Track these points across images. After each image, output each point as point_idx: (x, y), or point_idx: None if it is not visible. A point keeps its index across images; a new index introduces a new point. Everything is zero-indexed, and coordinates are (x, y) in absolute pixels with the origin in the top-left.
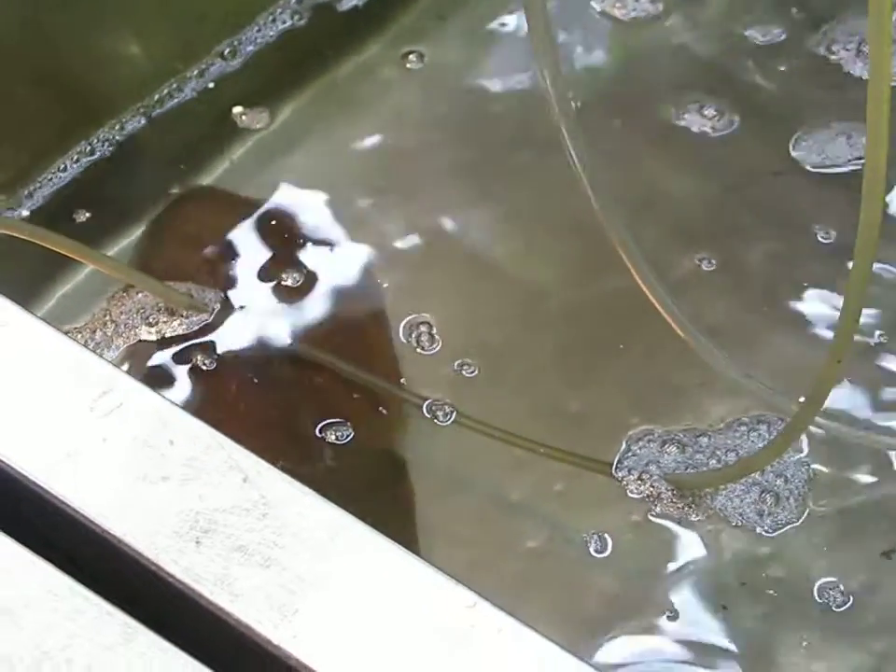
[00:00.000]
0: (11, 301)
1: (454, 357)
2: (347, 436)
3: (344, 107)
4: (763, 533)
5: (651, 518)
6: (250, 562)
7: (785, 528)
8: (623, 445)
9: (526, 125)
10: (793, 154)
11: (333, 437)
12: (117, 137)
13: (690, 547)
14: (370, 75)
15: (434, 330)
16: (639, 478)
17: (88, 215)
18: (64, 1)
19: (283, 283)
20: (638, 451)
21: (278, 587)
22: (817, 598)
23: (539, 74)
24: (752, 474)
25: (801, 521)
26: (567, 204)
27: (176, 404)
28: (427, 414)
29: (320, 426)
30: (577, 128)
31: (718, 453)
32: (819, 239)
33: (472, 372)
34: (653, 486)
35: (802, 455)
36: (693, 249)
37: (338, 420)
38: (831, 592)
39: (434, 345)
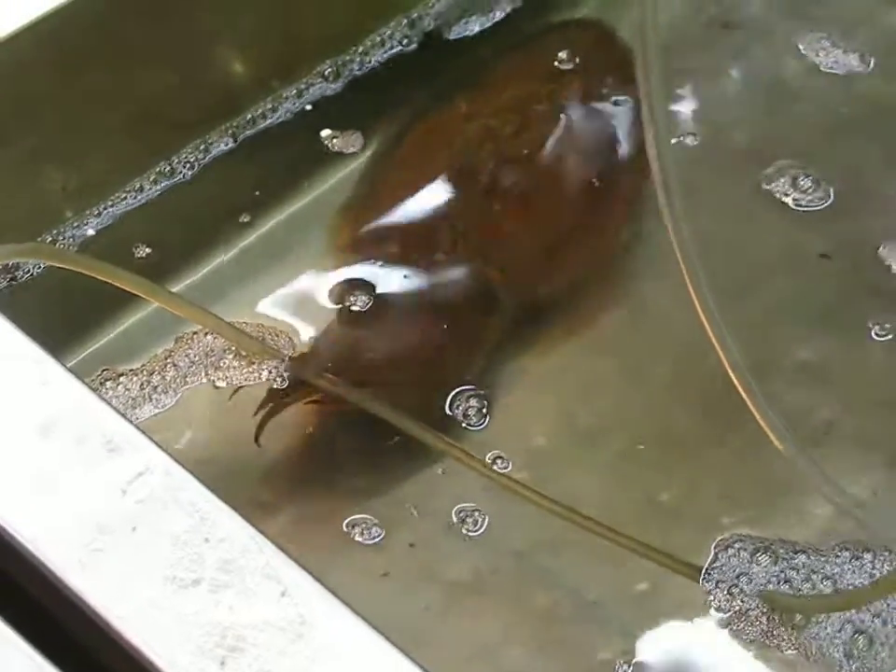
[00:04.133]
0: (56, 360)
1: (535, 432)
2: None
3: None
4: None
5: (730, 636)
6: None
7: None
8: (712, 553)
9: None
10: None
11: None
12: (200, 159)
13: None
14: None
15: (522, 400)
16: (728, 591)
17: (148, 250)
18: (158, 9)
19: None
20: (728, 559)
21: None
22: None
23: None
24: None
25: None
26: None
27: (219, 496)
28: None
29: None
30: (679, 212)
31: (814, 577)
32: None
33: (555, 450)
34: (742, 602)
35: None
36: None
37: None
38: None
39: (520, 417)
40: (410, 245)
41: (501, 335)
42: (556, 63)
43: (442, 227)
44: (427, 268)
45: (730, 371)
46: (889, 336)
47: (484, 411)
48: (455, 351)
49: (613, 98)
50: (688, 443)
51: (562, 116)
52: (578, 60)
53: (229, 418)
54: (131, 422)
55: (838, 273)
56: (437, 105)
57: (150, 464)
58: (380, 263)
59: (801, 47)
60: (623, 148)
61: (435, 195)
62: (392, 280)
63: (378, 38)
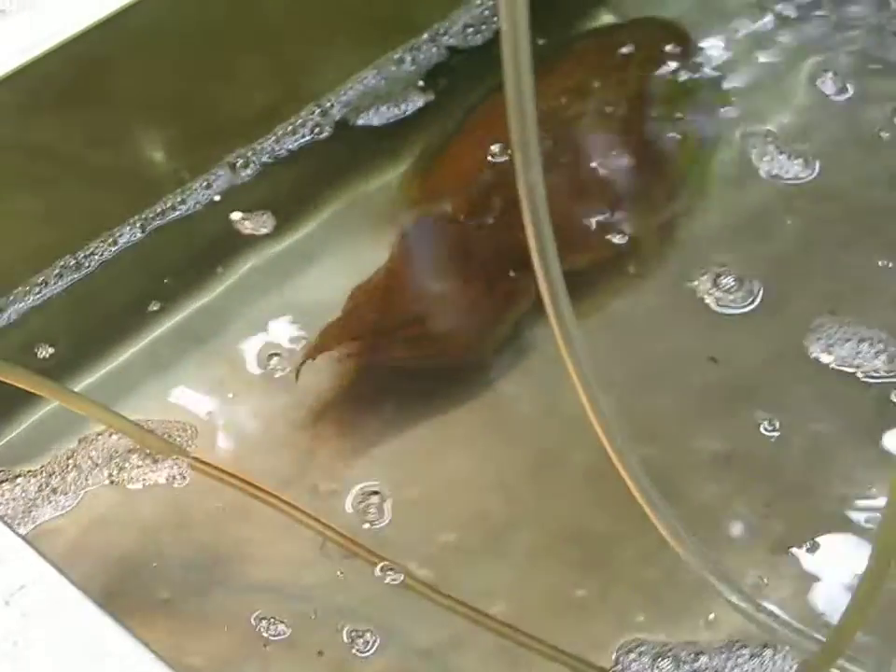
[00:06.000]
0: None
1: (442, 528)
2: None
3: (360, 228)
4: None
5: None
6: None
7: None
8: (615, 656)
9: None
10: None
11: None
12: (107, 252)
13: None
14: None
15: (431, 496)
16: None
17: (51, 350)
18: (68, 102)
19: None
20: (630, 664)
21: None
22: None
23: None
24: None
25: None
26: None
27: (108, 611)
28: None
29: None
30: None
31: None
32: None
33: (467, 546)
34: None
35: None
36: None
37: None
38: None
39: (427, 513)
40: (462, 207)
41: (533, 302)
42: (624, 54)
43: (495, 194)
44: (476, 229)
45: (626, 478)
46: (777, 433)
47: (386, 507)
48: (490, 308)
49: (673, 91)
50: (599, 541)
51: (621, 104)
52: (645, 53)
53: (131, 517)
54: (16, 532)
55: (729, 372)
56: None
57: (35, 576)
58: (434, 219)
59: (744, 147)
60: (675, 140)
61: (492, 165)
62: (442, 236)
63: (289, 127)
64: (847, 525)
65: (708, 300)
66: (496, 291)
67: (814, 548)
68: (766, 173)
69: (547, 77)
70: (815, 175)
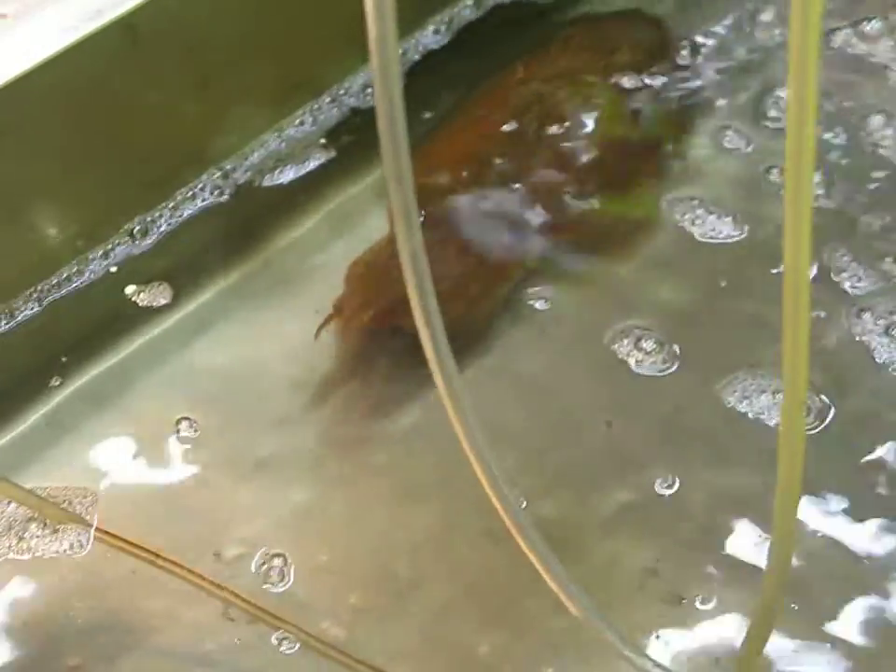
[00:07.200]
0: None
1: (347, 589)
2: None
3: (265, 291)
4: None
5: None
6: None
7: None
8: None
9: None
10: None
11: None
12: (4, 324)
13: None
14: (300, 255)
15: (335, 556)
16: None
17: None
18: None
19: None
20: None
21: None
22: None
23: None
24: None
25: None
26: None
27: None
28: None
29: None
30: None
31: None
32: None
33: (373, 607)
34: None
35: None
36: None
37: None
38: None
39: (329, 575)
40: (460, 179)
41: (527, 270)
42: (610, 44)
43: (492, 168)
44: (474, 200)
45: (517, 537)
46: (674, 489)
47: (289, 570)
48: (486, 275)
49: (657, 78)
50: (507, 594)
51: (607, 88)
52: (631, 43)
53: (33, 588)
54: None
55: (636, 428)
56: (500, 70)
57: None
58: (431, 191)
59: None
60: (661, 123)
61: (488, 143)
62: (439, 207)
63: (189, 192)
64: (741, 579)
65: (629, 360)
66: (493, 258)
67: (706, 602)
68: (700, 235)
69: (537, 61)
70: (742, 234)
